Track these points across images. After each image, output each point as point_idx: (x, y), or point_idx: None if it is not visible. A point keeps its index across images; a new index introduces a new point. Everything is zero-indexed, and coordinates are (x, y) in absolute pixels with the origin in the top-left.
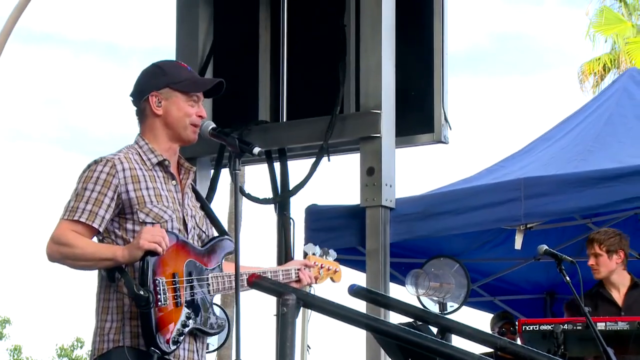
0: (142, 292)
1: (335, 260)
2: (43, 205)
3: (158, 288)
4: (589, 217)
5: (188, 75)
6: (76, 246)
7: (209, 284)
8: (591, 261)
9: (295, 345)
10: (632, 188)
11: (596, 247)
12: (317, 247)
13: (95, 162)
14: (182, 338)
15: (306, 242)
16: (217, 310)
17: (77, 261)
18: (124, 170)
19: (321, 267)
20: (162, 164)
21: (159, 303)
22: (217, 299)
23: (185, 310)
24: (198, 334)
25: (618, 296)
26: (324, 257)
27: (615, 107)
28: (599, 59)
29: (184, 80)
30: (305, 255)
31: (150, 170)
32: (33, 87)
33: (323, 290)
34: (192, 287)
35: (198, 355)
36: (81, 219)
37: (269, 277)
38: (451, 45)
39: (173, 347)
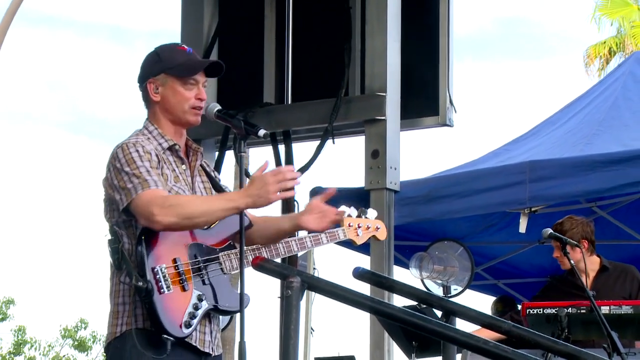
0: (140, 284)
1: (376, 218)
2: (48, 187)
3: (158, 276)
4: (593, 200)
5: (183, 60)
6: (187, 203)
7: (220, 263)
8: (555, 253)
9: (299, 328)
10: (637, 171)
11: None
12: (352, 207)
13: (122, 148)
14: (195, 320)
15: None
16: (234, 289)
17: (197, 218)
18: (150, 150)
19: (358, 227)
20: (172, 149)
21: (162, 291)
22: None
23: (195, 293)
24: (213, 315)
25: (587, 282)
26: (362, 216)
27: (621, 90)
28: (605, 42)
29: (178, 65)
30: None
31: (162, 154)
32: (38, 69)
33: (326, 273)
34: (199, 269)
35: (211, 336)
36: (158, 187)
37: (309, 242)
38: (456, 30)
39: (187, 331)
